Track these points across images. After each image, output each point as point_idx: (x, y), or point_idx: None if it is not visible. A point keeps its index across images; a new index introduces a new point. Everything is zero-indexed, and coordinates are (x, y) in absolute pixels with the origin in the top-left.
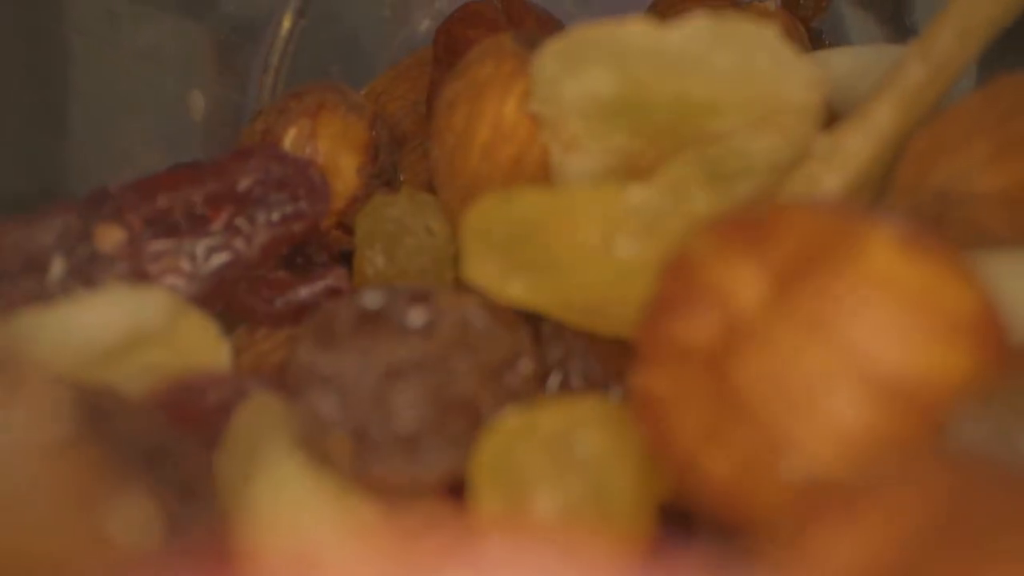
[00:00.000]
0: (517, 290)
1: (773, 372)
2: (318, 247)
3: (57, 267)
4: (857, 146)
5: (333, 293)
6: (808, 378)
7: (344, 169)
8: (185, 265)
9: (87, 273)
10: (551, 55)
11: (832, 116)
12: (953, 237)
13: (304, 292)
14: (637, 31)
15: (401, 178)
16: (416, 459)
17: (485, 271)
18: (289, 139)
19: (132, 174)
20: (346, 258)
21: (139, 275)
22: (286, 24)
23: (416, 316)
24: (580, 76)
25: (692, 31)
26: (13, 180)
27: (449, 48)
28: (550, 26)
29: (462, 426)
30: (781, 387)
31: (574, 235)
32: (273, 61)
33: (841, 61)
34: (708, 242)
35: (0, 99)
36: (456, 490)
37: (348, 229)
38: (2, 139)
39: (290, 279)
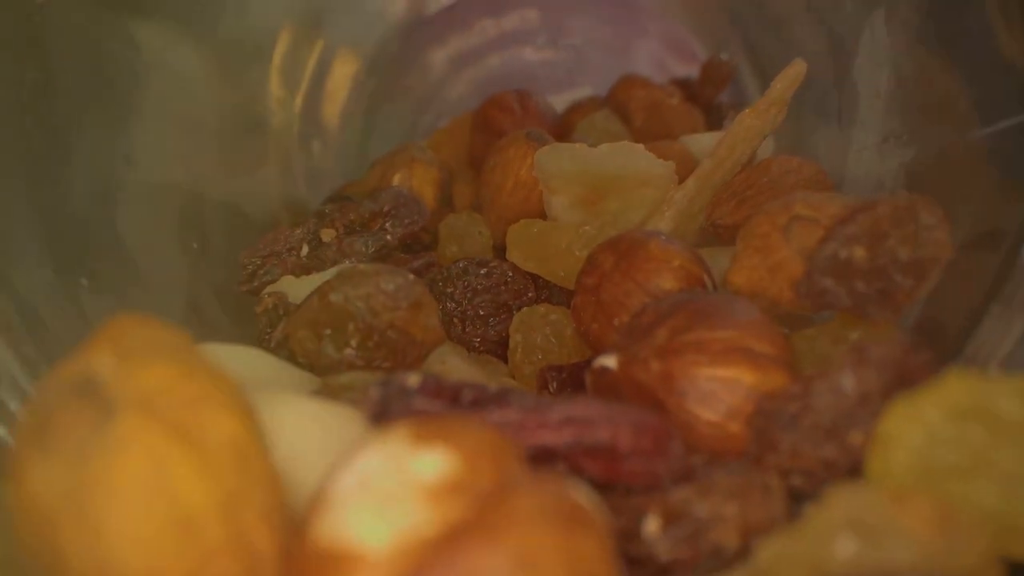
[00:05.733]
0: (531, 266)
1: (613, 291)
2: (412, 242)
3: (304, 249)
4: (680, 198)
5: (430, 266)
6: (624, 292)
7: (427, 197)
8: (362, 249)
9: (318, 253)
10: (544, 151)
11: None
12: (718, 242)
13: (415, 264)
14: (578, 148)
15: (454, 199)
16: (486, 326)
17: (517, 256)
18: (396, 180)
19: (288, 198)
20: (426, 248)
21: (343, 254)
22: (360, 86)
23: (482, 269)
24: (557, 162)
25: (601, 149)
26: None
27: (483, 121)
28: (545, 114)
29: (504, 314)
30: (616, 297)
31: (558, 243)
32: (351, 113)
33: (706, 140)
34: (598, 247)
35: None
36: (501, 345)
37: (428, 232)
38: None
39: (406, 258)
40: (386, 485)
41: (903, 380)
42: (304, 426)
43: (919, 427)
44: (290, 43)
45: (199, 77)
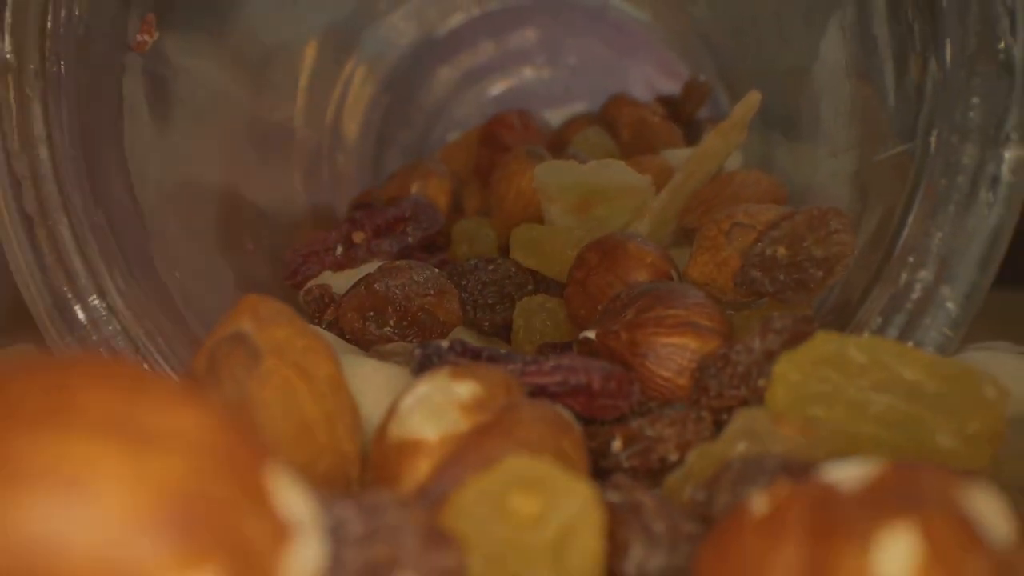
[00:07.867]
0: (531, 263)
1: (598, 283)
2: (429, 243)
3: (339, 249)
4: (656, 206)
5: (444, 263)
6: (606, 284)
7: (441, 204)
8: (388, 249)
9: (350, 253)
10: (542, 167)
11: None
12: (688, 244)
13: (432, 262)
14: (571, 164)
15: (463, 206)
16: (493, 313)
17: (519, 255)
18: (414, 189)
19: (320, 203)
20: (440, 248)
21: (371, 253)
22: (377, 102)
23: (490, 265)
24: (553, 175)
25: (590, 165)
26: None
27: (489, 137)
28: (543, 130)
29: (508, 303)
30: (600, 287)
31: (553, 244)
32: (368, 126)
33: (680, 155)
34: (586, 247)
35: None
36: (505, 328)
37: (442, 235)
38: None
39: (424, 256)
40: (435, 402)
41: (795, 341)
42: (369, 375)
43: (795, 370)
44: (317, 64)
45: (233, 92)
